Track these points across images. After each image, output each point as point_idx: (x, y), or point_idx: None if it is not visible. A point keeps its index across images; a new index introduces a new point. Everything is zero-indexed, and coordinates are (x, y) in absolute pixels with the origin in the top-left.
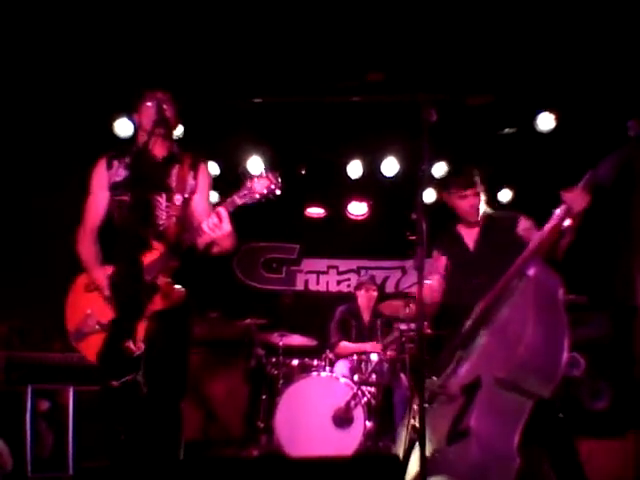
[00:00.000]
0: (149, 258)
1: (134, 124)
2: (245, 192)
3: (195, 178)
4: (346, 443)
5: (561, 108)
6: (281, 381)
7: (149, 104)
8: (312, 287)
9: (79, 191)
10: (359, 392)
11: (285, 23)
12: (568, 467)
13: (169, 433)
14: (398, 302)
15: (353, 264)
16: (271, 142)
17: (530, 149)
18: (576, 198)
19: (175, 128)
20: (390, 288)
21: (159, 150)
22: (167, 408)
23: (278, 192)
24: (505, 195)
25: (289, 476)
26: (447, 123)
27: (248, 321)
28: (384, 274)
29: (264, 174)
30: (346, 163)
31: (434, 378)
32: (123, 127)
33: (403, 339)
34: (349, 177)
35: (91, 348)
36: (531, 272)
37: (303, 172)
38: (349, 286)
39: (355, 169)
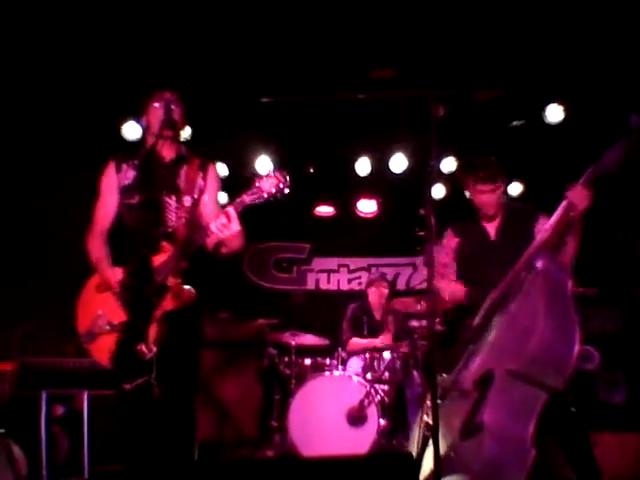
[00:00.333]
0: (159, 259)
1: (142, 127)
2: (254, 192)
3: (204, 179)
4: (360, 442)
5: (570, 99)
6: (294, 381)
7: (157, 105)
8: (323, 286)
9: (82, 192)
10: (372, 390)
11: (291, 22)
12: (582, 460)
13: (182, 434)
14: (409, 299)
15: (364, 262)
16: (279, 141)
17: (539, 141)
18: (577, 195)
19: (183, 129)
20: (401, 285)
21: (167, 152)
22: (179, 409)
23: (287, 191)
24: (515, 188)
25: (304, 476)
26: (455, 118)
27: (260, 321)
28: (395, 271)
29: (272, 173)
30: (354, 161)
31: (445, 375)
32: (131, 130)
33: (415, 336)
34: (358, 175)
35: (102, 349)
36: (539, 265)
37: (312, 171)
38: (360, 284)
39: (363, 166)
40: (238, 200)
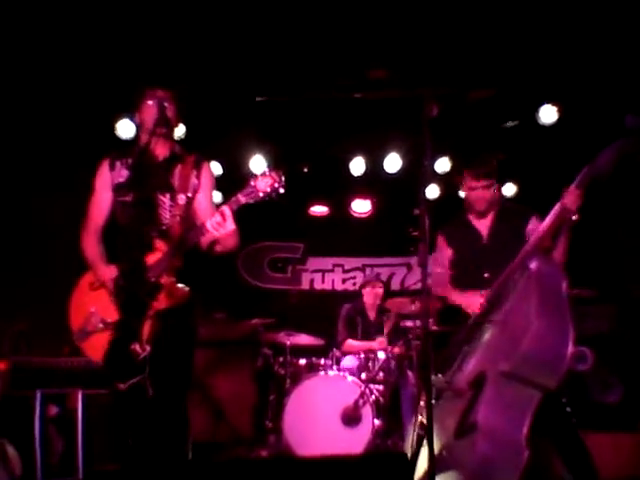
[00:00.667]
0: (153, 257)
1: (136, 125)
2: (249, 191)
3: (198, 177)
4: (355, 442)
5: (564, 100)
6: (288, 381)
7: (150, 103)
8: (318, 286)
9: (80, 191)
10: (367, 390)
11: (286, 20)
12: (577, 461)
13: (176, 434)
14: (404, 299)
15: (358, 262)
16: (273, 141)
17: (533, 142)
18: (570, 198)
19: (176, 127)
20: (396, 285)
21: (161, 150)
22: (173, 408)
23: (282, 191)
24: (509, 189)
25: (298, 476)
26: (450, 118)
27: (254, 321)
28: (389, 271)
29: (268, 173)
30: (349, 160)
31: (439, 375)
32: (125, 129)
33: (410, 336)
34: (352, 174)
35: (94, 347)
36: (533, 266)
37: (306, 170)
38: (355, 284)
39: (358, 166)
40: (233, 199)
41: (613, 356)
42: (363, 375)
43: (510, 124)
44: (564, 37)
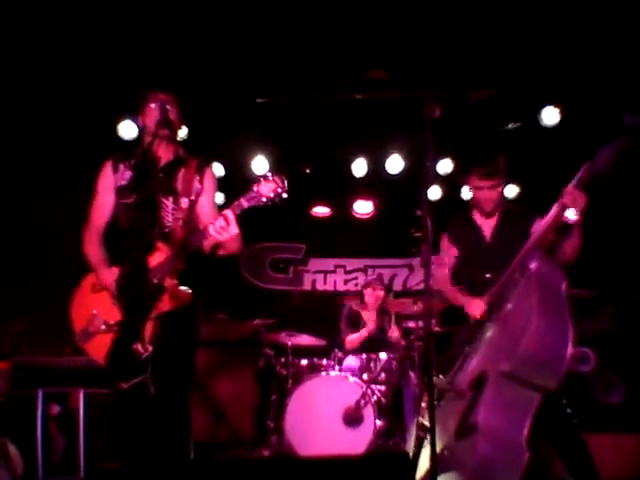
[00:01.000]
0: (155, 260)
1: (139, 129)
2: (252, 196)
3: (201, 182)
4: (356, 442)
5: (566, 102)
6: (290, 381)
7: (153, 106)
8: (320, 287)
9: (81, 192)
10: (369, 391)
11: (286, 22)
12: (578, 462)
13: (178, 433)
14: (406, 300)
15: (360, 263)
16: (275, 142)
17: (535, 144)
18: (570, 197)
19: (179, 129)
20: (398, 286)
21: (164, 153)
22: (175, 408)
23: (285, 196)
24: (511, 190)
25: (300, 476)
26: (452, 119)
27: (256, 322)
28: (391, 272)
29: (271, 177)
30: (351, 161)
31: (441, 377)
32: (127, 129)
33: (412, 337)
34: (354, 175)
35: (97, 349)
36: (533, 266)
37: (308, 171)
38: (357, 285)
39: (360, 167)
40: (236, 203)
41: (615, 357)
42: (365, 376)
43: (512, 126)
44: (566, 38)
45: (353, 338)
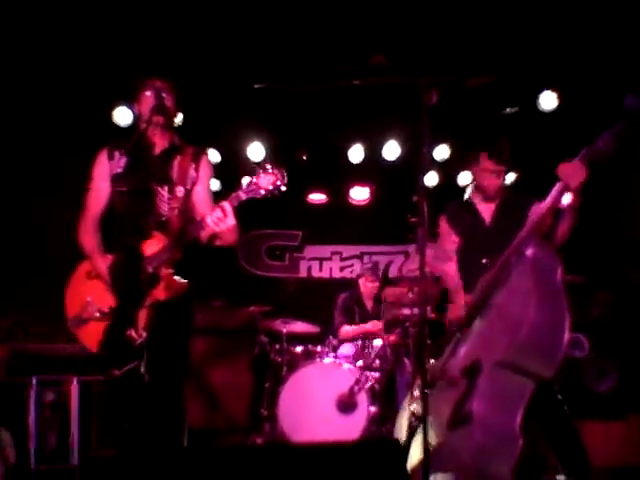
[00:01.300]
0: (151, 248)
1: (134, 113)
2: (250, 188)
3: (197, 170)
4: (350, 428)
5: (564, 87)
6: (285, 368)
7: (148, 93)
8: (315, 274)
9: (79, 185)
10: (362, 377)
11: (285, 7)
12: (569, 449)
13: (172, 420)
14: (401, 288)
15: (356, 250)
16: (272, 128)
17: (533, 129)
18: (573, 172)
19: (175, 117)
20: (394, 273)
21: (160, 140)
22: (169, 395)
23: (284, 188)
24: (509, 176)
25: (293, 462)
26: (449, 105)
27: (252, 309)
28: (387, 259)
29: (270, 170)
30: (347, 148)
31: (432, 361)
32: (122, 115)
33: (407, 324)
34: (350, 162)
35: (90, 335)
36: (529, 252)
37: (304, 158)
38: (352, 272)
39: (356, 154)
40: (234, 195)
41: (609, 343)
42: (359, 362)
43: (510, 110)
44: (564, 23)
45: (348, 330)
